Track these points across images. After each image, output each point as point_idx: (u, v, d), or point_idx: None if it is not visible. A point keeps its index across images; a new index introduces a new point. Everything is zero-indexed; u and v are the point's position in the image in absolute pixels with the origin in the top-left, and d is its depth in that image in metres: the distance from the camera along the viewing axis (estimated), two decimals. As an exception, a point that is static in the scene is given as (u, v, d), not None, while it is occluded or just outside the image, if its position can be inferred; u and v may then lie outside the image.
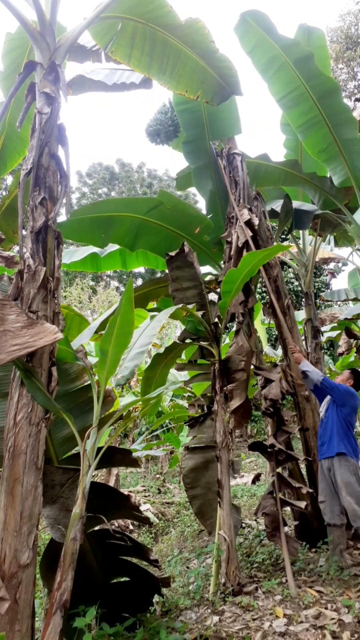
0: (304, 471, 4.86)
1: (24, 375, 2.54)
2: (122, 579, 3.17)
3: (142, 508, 7.47)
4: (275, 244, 5.07)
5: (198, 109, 4.89)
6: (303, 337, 6.25)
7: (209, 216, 5.19)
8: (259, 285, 7.09)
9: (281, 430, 4.04)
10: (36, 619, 2.70)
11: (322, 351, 7.62)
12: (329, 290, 9.52)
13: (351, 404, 3.92)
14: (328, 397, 4.06)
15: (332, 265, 12.74)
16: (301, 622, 2.87)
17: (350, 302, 7.68)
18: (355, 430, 4.05)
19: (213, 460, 4.28)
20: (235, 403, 4.07)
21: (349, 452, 3.76)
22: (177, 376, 8.66)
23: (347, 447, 3.77)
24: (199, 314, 4.02)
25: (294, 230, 5.85)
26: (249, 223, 4.36)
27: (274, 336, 15.18)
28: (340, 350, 7.63)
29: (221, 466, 3.83)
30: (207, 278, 5.24)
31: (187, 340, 4.40)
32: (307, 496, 4.32)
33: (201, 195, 5.32)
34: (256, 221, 4.38)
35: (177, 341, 4.57)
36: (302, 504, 3.78)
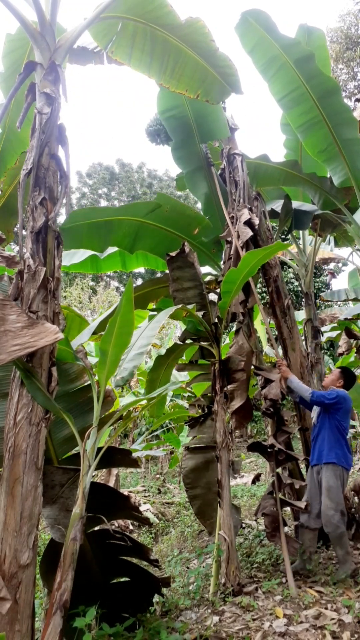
0: (303, 471, 4.85)
1: (24, 376, 2.54)
2: (122, 579, 3.17)
3: (142, 508, 7.48)
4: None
5: (184, 114, 4.91)
6: (303, 337, 6.25)
7: (206, 217, 5.20)
8: (259, 285, 7.08)
9: (281, 431, 4.04)
10: (36, 619, 2.69)
11: (322, 351, 7.63)
12: (329, 291, 9.52)
13: (344, 407, 3.86)
14: None
15: (332, 265, 12.74)
16: (301, 622, 2.87)
17: (350, 302, 7.68)
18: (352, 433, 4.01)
19: (213, 460, 4.28)
20: (236, 404, 4.07)
21: (340, 460, 3.72)
22: (177, 376, 8.66)
23: (337, 455, 3.72)
24: (200, 314, 4.02)
25: (294, 230, 5.85)
26: (249, 222, 4.36)
27: (274, 336, 15.17)
28: (340, 350, 7.63)
29: (221, 466, 3.83)
30: (207, 278, 5.24)
31: (188, 341, 4.40)
32: (307, 496, 4.31)
33: (196, 197, 5.33)
34: (256, 220, 4.38)
35: (178, 342, 4.57)
36: (302, 504, 3.78)
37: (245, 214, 4.39)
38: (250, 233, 4.27)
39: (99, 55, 3.91)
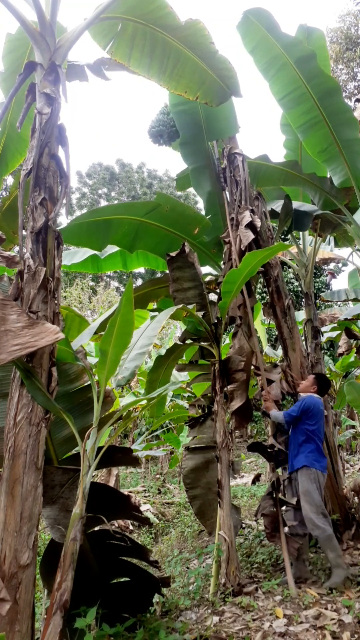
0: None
1: (24, 376, 2.54)
2: (122, 579, 3.17)
3: (142, 508, 7.48)
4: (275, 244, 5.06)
5: (195, 110, 4.89)
6: (303, 338, 6.25)
7: (207, 217, 5.19)
8: (259, 285, 7.08)
9: (281, 431, 4.04)
10: (36, 619, 2.69)
11: (322, 351, 7.63)
12: (329, 291, 9.52)
13: (312, 411, 3.77)
14: None
15: (332, 265, 12.76)
16: (301, 622, 2.87)
17: (350, 302, 7.68)
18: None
19: (213, 460, 4.28)
20: (236, 404, 4.07)
21: (311, 463, 3.65)
22: (177, 376, 8.66)
23: (307, 458, 3.66)
24: (200, 314, 4.03)
25: (294, 230, 5.85)
26: (250, 225, 4.35)
27: (274, 336, 15.20)
28: (340, 350, 7.63)
29: (221, 466, 3.83)
30: (207, 278, 5.24)
31: (188, 341, 4.40)
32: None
33: (199, 195, 5.32)
34: (258, 223, 4.38)
35: (178, 342, 4.57)
36: (293, 500, 3.76)
37: (247, 217, 4.39)
38: (252, 236, 4.26)
39: (99, 69, 3.89)
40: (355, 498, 4.67)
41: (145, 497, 8.95)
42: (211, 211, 5.26)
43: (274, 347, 13.81)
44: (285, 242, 6.58)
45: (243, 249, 4.27)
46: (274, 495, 3.78)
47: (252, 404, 4.31)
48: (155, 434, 10.30)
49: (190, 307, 3.77)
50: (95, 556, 2.98)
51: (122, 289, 25.84)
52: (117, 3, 3.40)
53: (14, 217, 4.29)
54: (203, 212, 5.40)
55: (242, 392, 4.11)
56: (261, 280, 5.12)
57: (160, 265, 5.76)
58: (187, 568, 4.75)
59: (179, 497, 8.83)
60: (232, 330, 4.48)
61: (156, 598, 3.29)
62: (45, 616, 2.66)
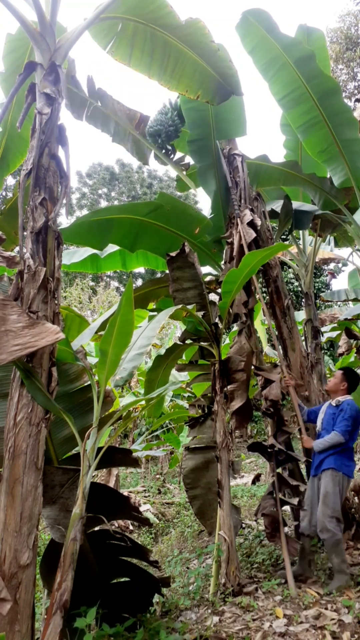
0: (304, 471, 4.85)
1: (24, 376, 2.54)
2: (122, 579, 3.17)
3: (142, 508, 7.48)
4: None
5: (205, 108, 4.85)
6: (303, 338, 6.25)
7: (211, 215, 5.19)
8: (259, 285, 7.10)
9: (281, 431, 4.04)
10: (36, 619, 2.69)
11: (322, 351, 7.63)
12: (329, 291, 9.53)
13: (358, 421, 3.75)
14: (325, 406, 3.94)
15: (332, 265, 12.76)
16: (301, 622, 2.87)
17: (350, 302, 7.68)
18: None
19: (213, 460, 4.28)
20: (236, 404, 4.07)
21: (339, 466, 3.63)
22: (177, 377, 8.66)
23: (336, 461, 3.64)
24: (200, 314, 4.02)
25: (294, 230, 5.85)
26: (251, 224, 4.35)
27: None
28: (340, 350, 7.64)
29: (221, 466, 3.83)
30: (207, 278, 5.24)
31: (188, 341, 4.40)
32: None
33: (207, 194, 5.29)
34: (258, 222, 4.37)
35: (178, 342, 4.57)
36: (295, 501, 3.76)
37: (247, 215, 4.39)
38: (254, 234, 4.26)
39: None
40: (355, 498, 4.67)
41: (145, 497, 8.95)
42: (215, 210, 5.25)
43: (274, 347, 13.80)
44: (285, 242, 6.58)
45: (246, 246, 4.27)
46: (274, 495, 3.78)
47: (252, 404, 4.30)
48: (155, 434, 10.29)
49: (190, 307, 3.76)
50: (95, 556, 2.98)
51: (122, 289, 25.83)
52: (117, 3, 3.40)
53: (16, 218, 4.29)
54: (205, 212, 5.39)
55: (242, 392, 4.11)
56: (261, 280, 5.12)
57: (160, 265, 5.75)
58: (187, 568, 4.75)
59: (179, 497, 8.83)
60: (235, 328, 4.48)
61: (156, 598, 3.29)
62: (45, 616, 2.66)
